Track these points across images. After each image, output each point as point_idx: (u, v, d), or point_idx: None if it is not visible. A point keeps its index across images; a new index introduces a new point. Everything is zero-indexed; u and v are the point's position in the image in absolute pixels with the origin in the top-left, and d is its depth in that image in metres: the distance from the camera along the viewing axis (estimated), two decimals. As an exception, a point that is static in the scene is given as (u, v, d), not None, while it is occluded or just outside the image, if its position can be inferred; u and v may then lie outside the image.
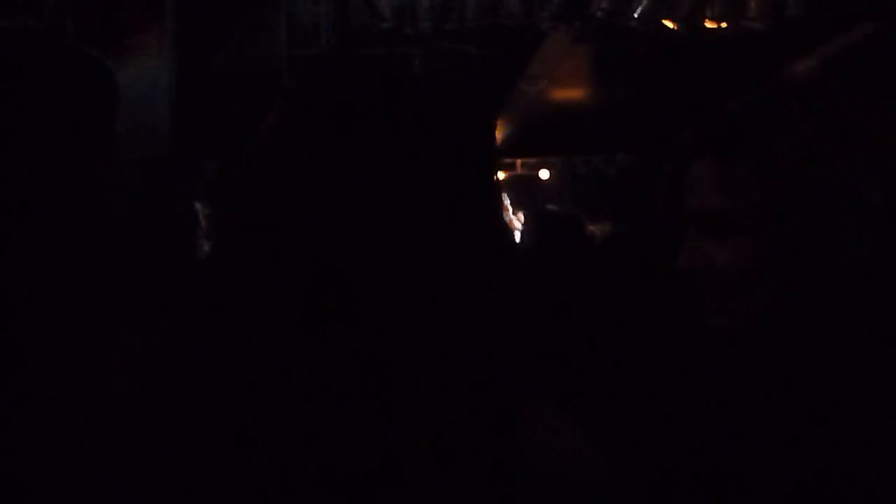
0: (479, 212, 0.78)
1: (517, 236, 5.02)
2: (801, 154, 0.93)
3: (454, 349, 0.71)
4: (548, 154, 7.71)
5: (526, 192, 7.61)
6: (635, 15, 5.29)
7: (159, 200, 2.38)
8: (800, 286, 0.91)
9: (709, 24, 5.25)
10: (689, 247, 0.93)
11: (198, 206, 2.58)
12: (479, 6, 5.34)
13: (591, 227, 4.08)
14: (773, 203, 0.92)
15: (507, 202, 6.57)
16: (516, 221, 6.27)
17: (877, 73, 0.97)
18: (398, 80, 0.80)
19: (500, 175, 5.50)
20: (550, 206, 5.08)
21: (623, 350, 1.76)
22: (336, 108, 0.75)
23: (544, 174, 8.27)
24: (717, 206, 0.91)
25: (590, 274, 2.24)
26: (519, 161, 8.18)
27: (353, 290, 0.70)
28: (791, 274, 0.91)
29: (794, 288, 0.92)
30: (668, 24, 5.18)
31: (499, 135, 7.82)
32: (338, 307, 0.70)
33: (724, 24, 5.22)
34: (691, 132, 1.03)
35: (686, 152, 0.99)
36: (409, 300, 0.71)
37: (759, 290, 0.91)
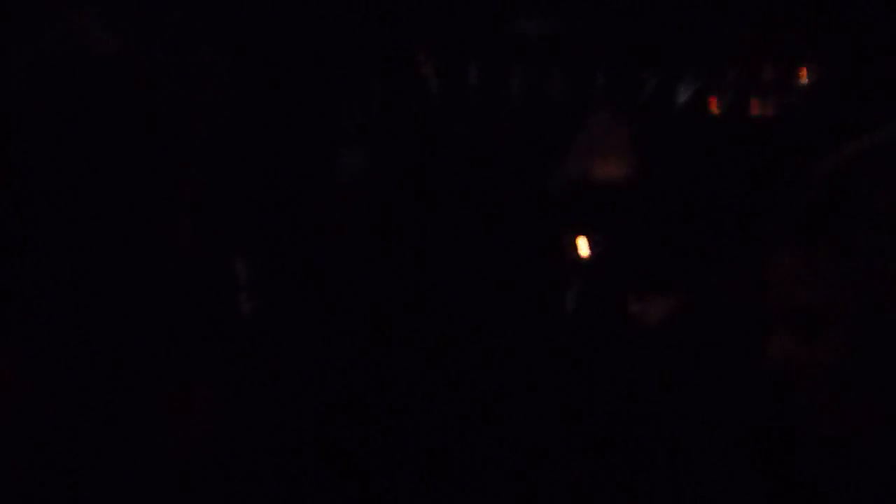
0: None
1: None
2: (884, 241, 0.88)
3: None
4: (587, 228, 7.67)
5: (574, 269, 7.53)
6: (681, 100, 5.33)
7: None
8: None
9: (754, 110, 5.26)
10: (778, 347, 0.88)
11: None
12: (524, 84, 5.42)
13: (640, 304, 4.01)
14: (858, 297, 0.87)
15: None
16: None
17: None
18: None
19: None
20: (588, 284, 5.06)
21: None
22: None
23: (583, 249, 8.20)
24: (804, 302, 0.87)
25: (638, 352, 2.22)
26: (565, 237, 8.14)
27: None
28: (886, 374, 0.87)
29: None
30: (713, 109, 5.20)
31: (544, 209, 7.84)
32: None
33: (769, 109, 5.22)
34: (771, 221, 1.00)
35: (768, 242, 0.96)
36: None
37: (860, 393, 0.85)
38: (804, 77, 5.20)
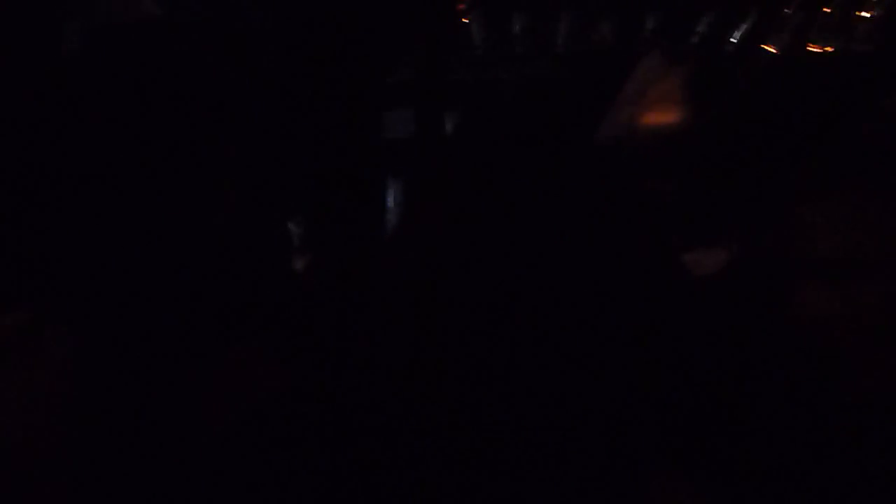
0: None
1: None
2: None
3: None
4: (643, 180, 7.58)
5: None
6: (733, 39, 5.17)
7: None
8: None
9: (812, 48, 5.08)
10: (815, 296, 0.85)
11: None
12: (570, 32, 5.32)
13: (688, 256, 3.96)
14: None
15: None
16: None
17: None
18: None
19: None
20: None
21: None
22: None
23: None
24: (853, 248, 0.85)
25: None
26: None
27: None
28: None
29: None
30: (769, 48, 5.02)
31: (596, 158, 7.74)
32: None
33: (828, 48, 5.03)
34: (812, 169, 0.97)
35: (808, 190, 0.93)
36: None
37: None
38: (866, 14, 4.98)
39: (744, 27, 5.11)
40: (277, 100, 4.37)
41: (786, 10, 4.98)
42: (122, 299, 0.82)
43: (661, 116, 5.91)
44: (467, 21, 5.37)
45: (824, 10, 4.88)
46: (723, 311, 1.88)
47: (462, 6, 5.37)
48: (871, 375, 0.82)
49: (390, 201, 5.13)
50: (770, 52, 4.97)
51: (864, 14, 4.91)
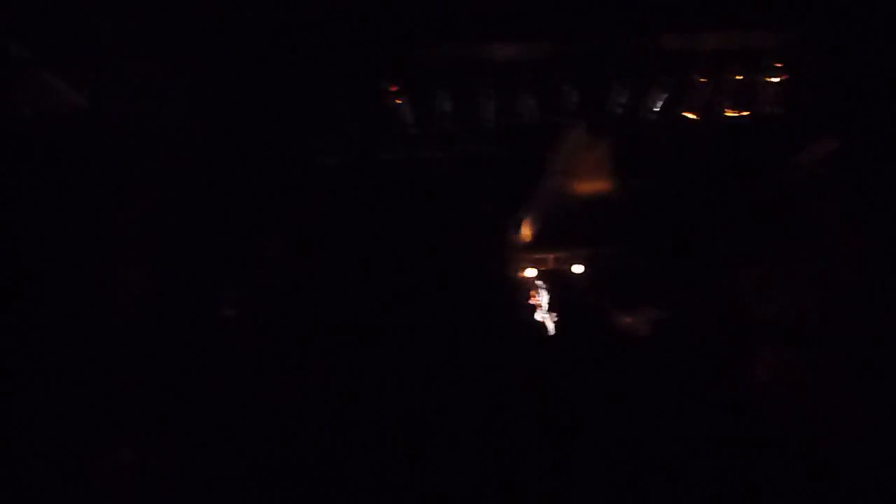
0: None
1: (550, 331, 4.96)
2: (840, 257, 0.87)
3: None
4: (577, 246, 7.71)
5: (560, 287, 7.54)
6: (654, 108, 5.37)
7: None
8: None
9: (729, 113, 5.31)
10: (756, 363, 0.84)
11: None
12: (498, 108, 5.46)
13: (628, 318, 4.01)
14: (825, 310, 0.83)
15: (541, 300, 6.51)
16: (549, 320, 6.17)
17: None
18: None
19: (533, 271, 5.48)
20: (575, 300, 5.06)
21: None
22: None
23: (578, 269, 8.19)
24: (778, 317, 0.85)
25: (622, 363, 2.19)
26: (551, 256, 8.14)
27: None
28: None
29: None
30: (689, 115, 5.24)
31: (527, 231, 7.84)
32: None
33: (745, 112, 5.27)
34: (731, 240, 0.98)
35: (733, 260, 0.94)
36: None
37: (844, 399, 0.80)
38: (774, 80, 5.25)
39: (664, 96, 5.34)
40: (204, 188, 4.34)
41: (701, 79, 5.23)
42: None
43: (590, 186, 6.08)
44: (399, 102, 5.48)
45: (736, 77, 5.15)
46: (657, 372, 1.90)
47: (394, 88, 5.49)
48: (809, 434, 0.84)
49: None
50: (690, 118, 5.19)
51: (771, 79, 5.19)
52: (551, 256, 8.71)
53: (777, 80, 5.43)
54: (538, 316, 6.40)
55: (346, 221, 5.04)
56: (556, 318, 6.08)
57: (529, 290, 6.97)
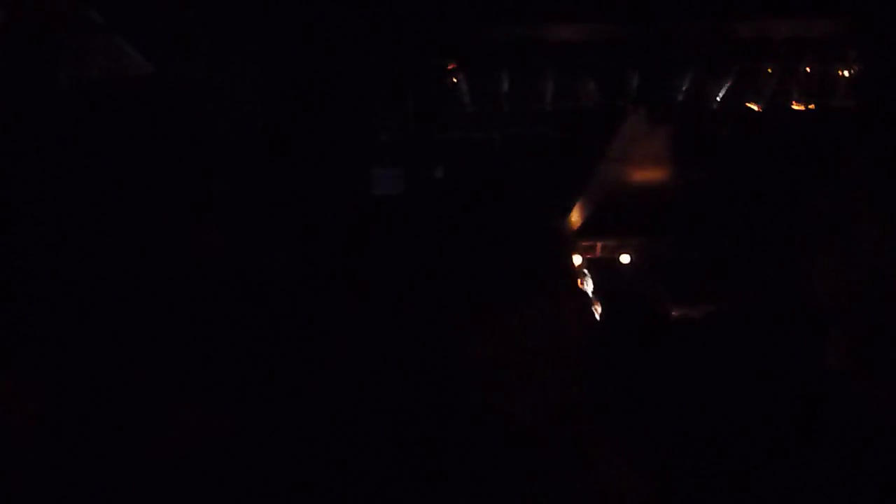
0: None
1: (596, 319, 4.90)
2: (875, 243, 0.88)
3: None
4: (627, 235, 7.63)
5: (607, 276, 7.49)
6: (718, 98, 5.24)
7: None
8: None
9: (795, 106, 5.15)
10: (840, 345, 0.85)
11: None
12: (557, 90, 5.38)
13: (676, 311, 3.97)
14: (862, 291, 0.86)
15: (588, 287, 6.43)
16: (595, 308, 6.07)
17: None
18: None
19: (580, 258, 5.39)
20: (625, 289, 4.95)
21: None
22: None
23: (625, 258, 8.15)
24: (854, 301, 0.87)
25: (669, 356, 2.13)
26: (599, 244, 8.09)
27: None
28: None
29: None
30: (753, 106, 5.10)
31: (579, 216, 7.78)
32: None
33: (811, 106, 5.11)
34: (812, 221, 0.99)
35: (808, 243, 0.95)
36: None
37: None
38: (844, 72, 5.08)
39: (727, 85, 5.20)
40: (267, 158, 4.39)
41: (767, 69, 5.07)
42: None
43: (649, 173, 5.98)
44: (456, 81, 5.44)
45: (805, 68, 4.98)
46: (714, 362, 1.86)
47: (452, 66, 5.45)
48: (874, 418, 0.84)
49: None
50: (753, 109, 5.05)
51: (843, 72, 5.01)
52: (599, 244, 8.65)
53: (849, 72, 5.25)
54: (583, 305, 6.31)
55: (398, 201, 5.04)
56: (599, 308, 6.00)
57: (576, 278, 6.90)
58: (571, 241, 8.28)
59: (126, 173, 1.04)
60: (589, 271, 7.33)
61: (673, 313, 3.80)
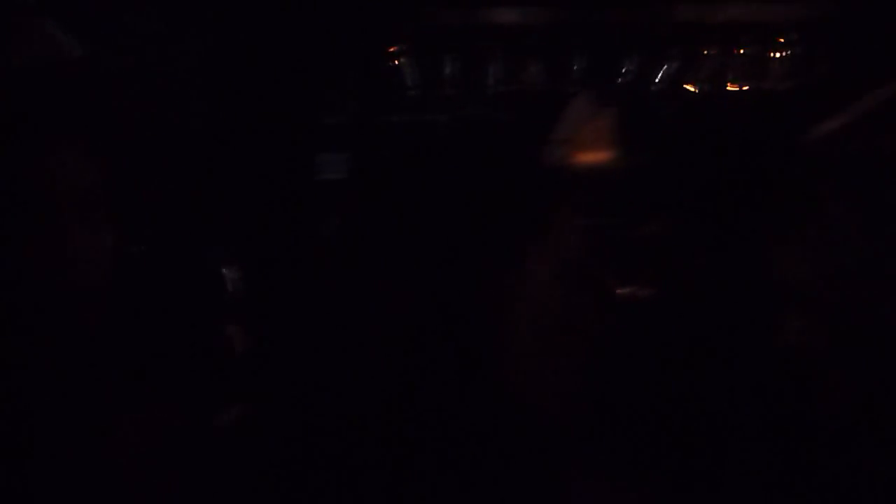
0: None
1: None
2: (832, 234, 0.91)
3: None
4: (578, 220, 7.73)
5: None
6: (657, 79, 5.34)
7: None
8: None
9: (731, 87, 5.28)
10: (792, 331, 0.89)
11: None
12: (502, 73, 5.42)
13: (621, 290, 4.02)
14: (851, 282, 0.86)
15: None
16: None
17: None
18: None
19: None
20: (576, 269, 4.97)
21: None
22: None
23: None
24: (807, 288, 0.90)
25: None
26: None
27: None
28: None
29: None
30: (690, 87, 5.21)
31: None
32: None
33: (745, 87, 5.24)
34: (767, 208, 1.03)
35: (764, 230, 0.98)
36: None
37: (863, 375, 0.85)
38: (780, 54, 5.22)
39: (670, 68, 5.30)
40: (207, 144, 4.32)
41: (705, 52, 5.18)
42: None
43: (593, 156, 6.04)
44: (399, 64, 5.43)
45: (740, 50, 5.09)
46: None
47: (394, 49, 5.43)
48: (834, 399, 0.86)
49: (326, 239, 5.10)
50: (691, 91, 5.16)
51: (777, 54, 5.14)
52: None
53: (786, 54, 5.39)
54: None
55: (343, 183, 5.06)
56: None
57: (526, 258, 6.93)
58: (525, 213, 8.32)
59: (59, 159, 1.02)
60: None
61: (617, 292, 3.87)
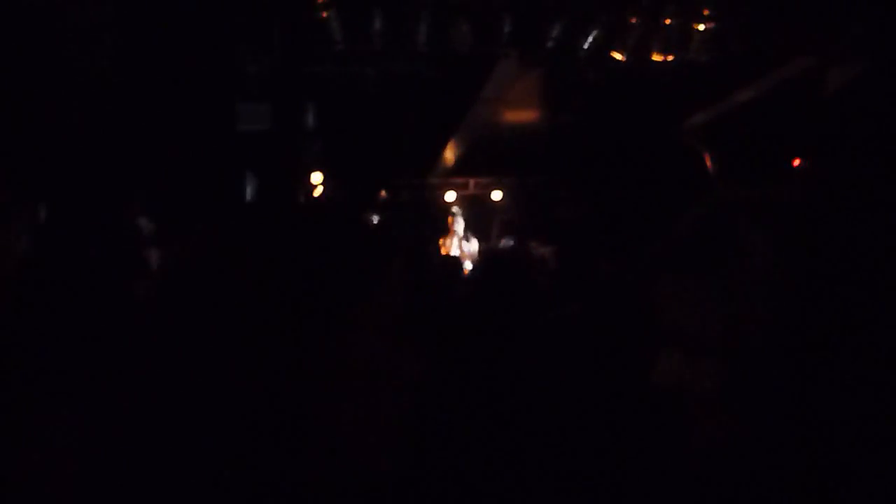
0: None
1: (467, 265, 5.23)
2: (757, 272, 0.96)
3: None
4: (498, 174, 7.24)
5: (478, 212, 7.31)
6: (584, 46, 5.96)
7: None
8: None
9: (655, 57, 5.96)
10: (663, 367, 0.97)
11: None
12: (431, 32, 5.26)
13: (543, 251, 4.02)
14: (733, 322, 0.94)
15: (458, 227, 6.77)
16: (466, 245, 6.46)
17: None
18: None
19: (453, 194, 7.05)
20: (504, 241, 6.56)
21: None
22: None
23: (497, 195, 7.53)
24: (681, 325, 0.95)
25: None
26: (472, 181, 7.49)
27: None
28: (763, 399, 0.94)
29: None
30: (617, 55, 5.96)
31: (452, 154, 7.04)
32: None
33: (669, 57, 5.97)
34: (656, 247, 1.09)
35: (653, 267, 1.05)
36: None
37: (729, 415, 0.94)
38: (704, 25, 5.32)
39: (594, 34, 5.87)
40: (125, 92, 4.00)
41: (631, 20, 5.83)
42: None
43: (519, 115, 6.40)
44: (326, 16, 5.33)
45: (665, 21, 5.84)
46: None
47: (321, 1, 5.11)
48: (709, 438, 0.99)
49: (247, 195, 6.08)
50: (617, 58, 5.87)
51: (700, 26, 5.96)
52: (472, 181, 7.37)
53: (705, 27, 5.91)
54: (453, 242, 6.55)
55: (262, 134, 5.02)
56: (469, 246, 6.30)
57: (447, 215, 6.66)
58: (443, 178, 7.10)
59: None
60: (461, 207, 7.17)
61: (536, 252, 4.04)
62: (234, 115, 5.45)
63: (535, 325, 1.95)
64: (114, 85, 4.53)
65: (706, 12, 5.36)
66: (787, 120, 4.74)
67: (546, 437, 1.60)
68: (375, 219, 6.26)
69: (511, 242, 5.67)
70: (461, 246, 6.45)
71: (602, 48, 5.46)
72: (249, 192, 5.53)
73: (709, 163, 5.39)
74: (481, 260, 3.39)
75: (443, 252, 6.13)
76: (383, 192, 7.34)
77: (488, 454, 1.58)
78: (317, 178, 6.39)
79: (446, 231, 6.66)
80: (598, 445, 1.43)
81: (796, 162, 4.23)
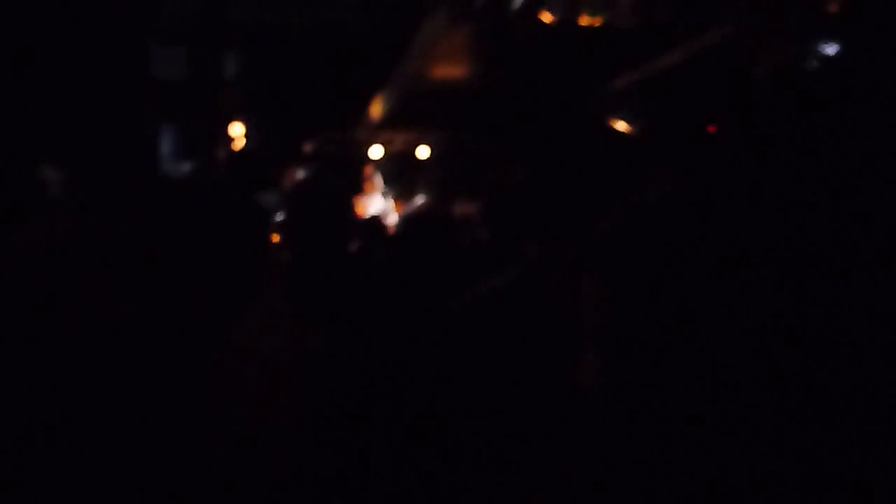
0: None
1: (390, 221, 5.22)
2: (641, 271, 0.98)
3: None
4: (423, 129, 7.09)
5: (403, 168, 7.18)
6: (514, 5, 5.98)
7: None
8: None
9: (583, 21, 6.01)
10: (586, 361, 0.97)
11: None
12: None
13: (467, 209, 4.02)
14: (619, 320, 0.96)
15: (377, 182, 6.63)
16: (383, 203, 6.52)
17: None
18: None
19: (379, 150, 7.04)
20: (425, 198, 6.60)
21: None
22: None
23: (422, 152, 7.36)
24: (604, 325, 0.96)
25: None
26: (400, 137, 7.30)
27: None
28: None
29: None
30: (545, 17, 6.00)
31: (378, 108, 6.83)
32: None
33: (596, 22, 6.03)
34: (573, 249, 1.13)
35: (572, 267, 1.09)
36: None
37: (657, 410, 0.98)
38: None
39: None
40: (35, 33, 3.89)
41: None
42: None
43: (447, 70, 6.36)
44: None
45: None
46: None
47: None
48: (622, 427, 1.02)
49: (162, 147, 5.90)
50: (546, 19, 5.90)
51: None
52: (400, 137, 7.13)
53: None
54: (373, 200, 6.56)
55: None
56: (387, 204, 6.22)
57: (370, 173, 6.51)
58: (370, 133, 6.86)
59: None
60: (386, 164, 7.02)
61: (458, 210, 4.10)
62: (148, 60, 5.24)
63: (459, 299, 1.95)
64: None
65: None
66: (706, 88, 4.81)
67: (459, 423, 1.66)
68: (295, 176, 6.11)
69: (431, 200, 5.63)
70: (379, 204, 6.30)
71: (531, 8, 5.44)
72: (163, 145, 5.34)
73: (621, 128, 5.46)
74: (399, 218, 3.39)
75: (358, 212, 6.08)
76: (306, 146, 7.22)
77: (398, 440, 1.60)
78: (237, 129, 6.25)
79: (364, 189, 6.53)
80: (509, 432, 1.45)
81: (711, 129, 4.32)
